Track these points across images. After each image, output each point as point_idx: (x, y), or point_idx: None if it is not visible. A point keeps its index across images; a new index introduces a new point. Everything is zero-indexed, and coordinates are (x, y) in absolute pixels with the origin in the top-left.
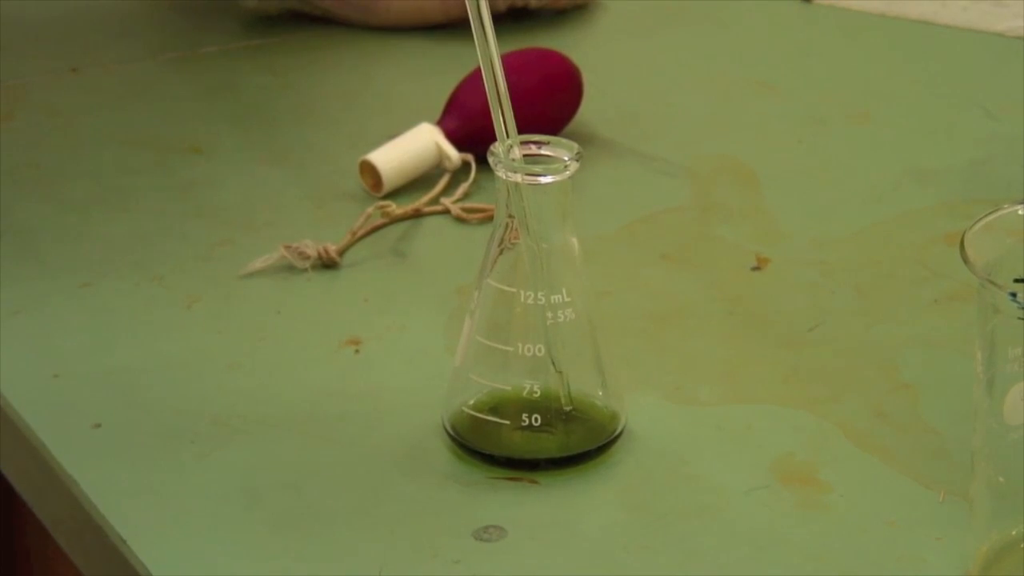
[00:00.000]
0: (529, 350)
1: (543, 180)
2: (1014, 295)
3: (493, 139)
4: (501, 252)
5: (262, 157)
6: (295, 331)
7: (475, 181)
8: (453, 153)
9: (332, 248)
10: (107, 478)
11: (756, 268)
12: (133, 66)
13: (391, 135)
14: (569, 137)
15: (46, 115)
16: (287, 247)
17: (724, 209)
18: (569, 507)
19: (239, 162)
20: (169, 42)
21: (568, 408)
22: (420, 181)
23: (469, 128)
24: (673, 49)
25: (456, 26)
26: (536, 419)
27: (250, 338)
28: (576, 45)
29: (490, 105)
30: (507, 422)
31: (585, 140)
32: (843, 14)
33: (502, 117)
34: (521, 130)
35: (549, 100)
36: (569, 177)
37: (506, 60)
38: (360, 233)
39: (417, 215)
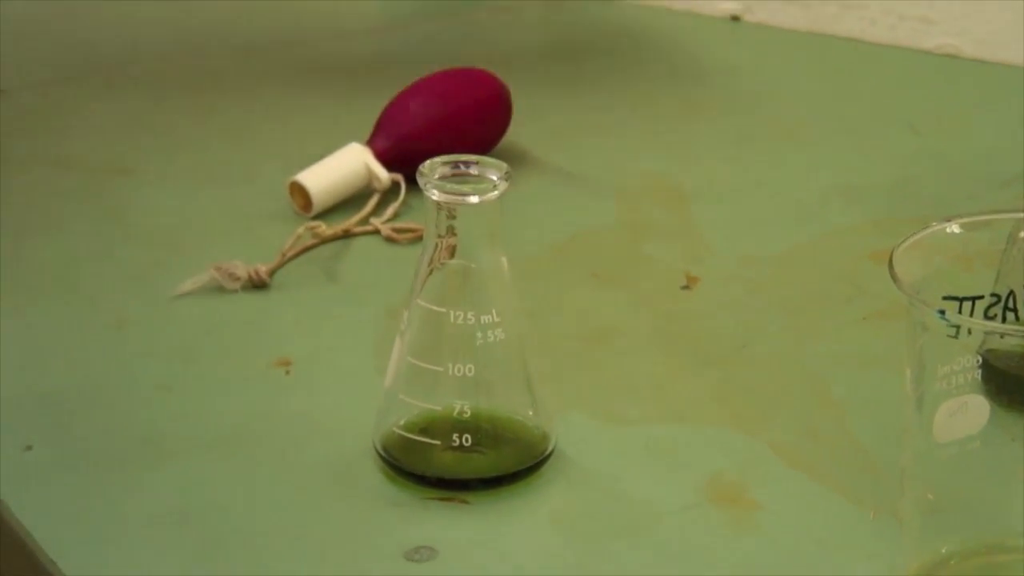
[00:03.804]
0: (459, 370)
1: (472, 200)
2: (943, 313)
3: (423, 159)
4: (431, 272)
5: (192, 178)
6: (225, 352)
7: (405, 201)
8: (383, 173)
9: (262, 269)
10: (37, 500)
11: (685, 287)
12: (61, 88)
13: (321, 155)
14: (498, 157)
15: None
16: (217, 268)
17: (653, 228)
18: (500, 527)
19: (169, 183)
20: (98, 63)
21: None
22: (350, 201)
23: (399, 148)
24: (602, 68)
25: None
26: (467, 439)
27: (180, 359)
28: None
29: None
30: (437, 442)
31: (514, 160)
32: (772, 32)
33: None
34: (451, 150)
35: (478, 120)
36: (498, 197)
37: (434, 80)
38: (290, 254)
39: (347, 235)
